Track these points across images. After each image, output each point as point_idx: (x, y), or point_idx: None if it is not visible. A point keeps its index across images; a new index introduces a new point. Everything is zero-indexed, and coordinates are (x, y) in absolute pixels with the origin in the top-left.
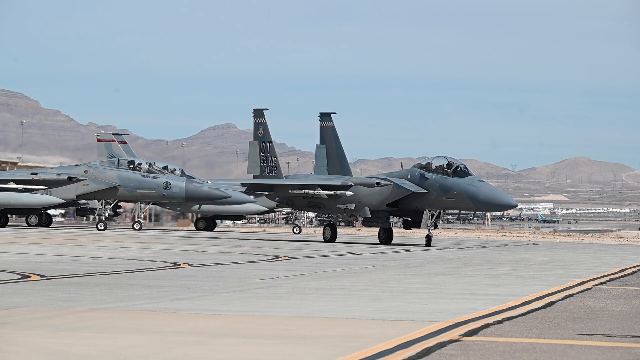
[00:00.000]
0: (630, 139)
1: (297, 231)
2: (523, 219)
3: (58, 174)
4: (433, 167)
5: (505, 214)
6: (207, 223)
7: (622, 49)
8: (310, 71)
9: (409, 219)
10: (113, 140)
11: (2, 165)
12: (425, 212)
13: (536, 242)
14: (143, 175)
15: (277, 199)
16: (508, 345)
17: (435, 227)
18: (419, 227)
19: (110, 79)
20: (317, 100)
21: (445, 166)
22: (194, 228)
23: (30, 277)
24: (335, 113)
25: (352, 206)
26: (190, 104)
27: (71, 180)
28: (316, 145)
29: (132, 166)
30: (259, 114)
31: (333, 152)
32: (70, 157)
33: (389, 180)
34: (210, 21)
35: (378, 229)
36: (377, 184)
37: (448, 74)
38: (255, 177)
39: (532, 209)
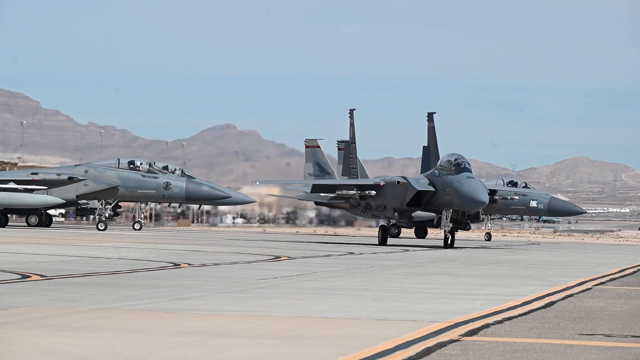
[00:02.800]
0: (630, 139)
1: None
2: (523, 219)
3: (58, 174)
4: (443, 164)
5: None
6: (419, 231)
7: (622, 49)
8: (310, 71)
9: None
10: (318, 146)
11: (2, 165)
12: (443, 212)
13: (536, 242)
14: (143, 176)
15: (347, 201)
16: (508, 345)
17: (461, 227)
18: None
19: (110, 79)
20: (317, 100)
21: (451, 163)
22: (192, 228)
23: (30, 277)
24: (435, 113)
25: (383, 207)
26: (190, 104)
27: (71, 180)
28: (423, 146)
29: (132, 166)
30: (351, 114)
31: (432, 151)
32: (70, 157)
33: (406, 179)
34: (210, 21)
35: (410, 229)
36: (398, 182)
37: (448, 74)
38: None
39: None
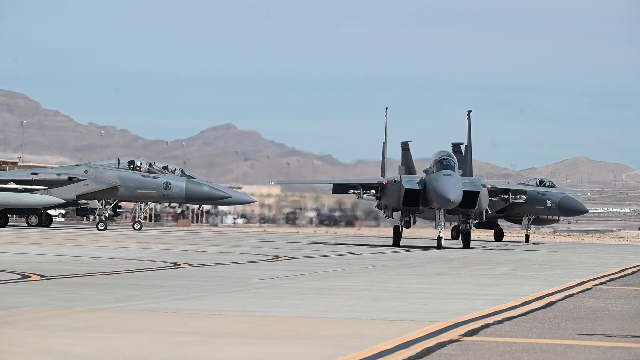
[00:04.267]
0: (630, 139)
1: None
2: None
3: (58, 174)
4: (432, 162)
5: None
6: (496, 232)
7: (622, 49)
8: (310, 71)
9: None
10: (408, 149)
11: (3, 165)
12: (436, 211)
13: (536, 242)
14: (143, 176)
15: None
16: (508, 345)
17: (464, 227)
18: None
19: (110, 79)
20: (318, 100)
21: (436, 161)
22: (193, 228)
23: (30, 277)
24: (471, 111)
25: (385, 206)
26: (190, 104)
27: (71, 180)
28: (464, 146)
29: (132, 166)
30: (386, 112)
31: (469, 150)
32: (70, 157)
33: (400, 178)
34: (210, 21)
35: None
36: (395, 181)
37: (448, 74)
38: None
39: None
